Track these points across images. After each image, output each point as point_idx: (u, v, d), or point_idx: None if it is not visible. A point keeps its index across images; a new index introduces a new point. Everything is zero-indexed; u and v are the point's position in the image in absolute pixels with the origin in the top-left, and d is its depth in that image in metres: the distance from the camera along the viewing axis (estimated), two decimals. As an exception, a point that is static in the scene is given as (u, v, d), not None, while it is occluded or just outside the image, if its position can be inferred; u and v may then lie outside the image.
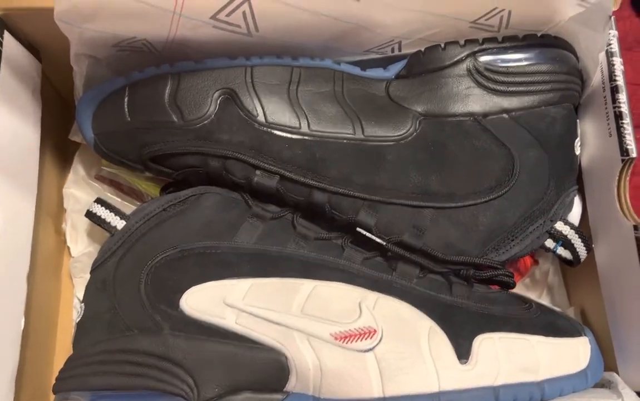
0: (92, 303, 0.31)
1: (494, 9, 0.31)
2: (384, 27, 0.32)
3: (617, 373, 0.32)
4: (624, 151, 0.32)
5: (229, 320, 0.29)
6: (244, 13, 0.29)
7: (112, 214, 0.33)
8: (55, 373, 0.30)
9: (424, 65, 0.34)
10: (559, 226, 0.33)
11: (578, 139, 0.35)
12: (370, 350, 0.28)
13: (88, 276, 0.32)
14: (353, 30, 0.32)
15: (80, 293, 0.37)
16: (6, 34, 0.30)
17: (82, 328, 0.31)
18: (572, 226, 0.34)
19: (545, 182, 0.33)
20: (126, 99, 0.31)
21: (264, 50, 0.32)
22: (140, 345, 0.29)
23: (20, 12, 0.31)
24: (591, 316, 0.36)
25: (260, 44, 0.32)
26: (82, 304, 0.32)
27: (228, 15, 0.30)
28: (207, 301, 0.29)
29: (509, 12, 0.32)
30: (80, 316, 0.31)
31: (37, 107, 0.34)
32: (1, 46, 0.29)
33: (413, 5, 0.31)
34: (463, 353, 0.28)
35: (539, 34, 0.34)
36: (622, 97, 0.33)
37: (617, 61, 0.33)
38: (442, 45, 0.34)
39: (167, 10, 0.29)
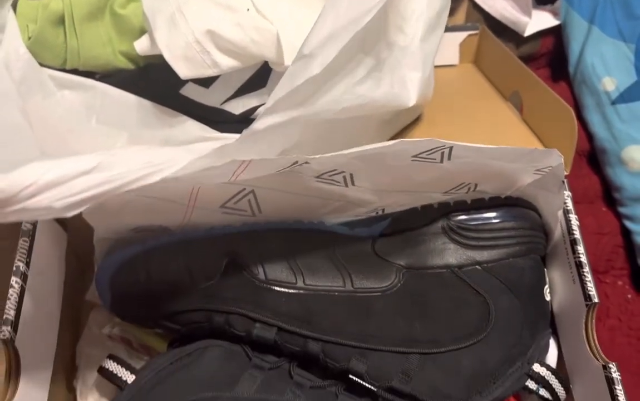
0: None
1: (461, 184, 0.36)
2: (371, 203, 0.37)
3: None
4: (587, 297, 0.35)
5: None
6: (249, 201, 0.34)
7: (124, 369, 0.35)
8: None
9: (405, 224, 0.38)
10: (537, 368, 0.36)
11: (547, 286, 0.38)
12: None
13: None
14: (344, 206, 0.37)
15: (87, 449, 0.39)
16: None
17: None
18: (549, 368, 0.36)
19: (520, 326, 0.36)
20: (142, 264, 0.35)
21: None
22: None
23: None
24: (578, 457, 0.37)
25: (263, 220, 0.36)
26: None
27: (235, 203, 0.34)
28: (210, 450, 0.31)
29: (475, 185, 0.37)
30: None
31: (62, 272, 0.38)
32: (36, 220, 0.34)
33: (395, 188, 0.36)
34: None
35: (503, 196, 0.39)
36: (580, 248, 0.37)
37: (573, 218, 0.38)
38: (419, 207, 0.39)
39: (183, 205, 0.33)
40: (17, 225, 0.34)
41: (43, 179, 0.22)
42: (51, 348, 0.36)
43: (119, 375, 0.35)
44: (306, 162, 0.29)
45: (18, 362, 0.32)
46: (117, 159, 0.24)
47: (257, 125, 0.27)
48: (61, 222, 0.38)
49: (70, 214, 0.24)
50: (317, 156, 0.28)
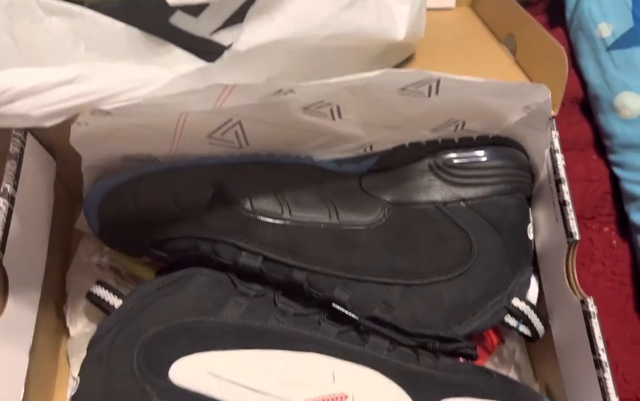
0: (87, 377, 0.34)
1: (449, 120, 0.36)
2: (358, 138, 0.37)
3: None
4: (569, 234, 0.36)
5: (213, 389, 0.31)
6: (236, 132, 0.34)
7: (111, 294, 0.36)
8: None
9: (392, 161, 0.38)
10: (517, 303, 0.37)
11: (530, 225, 0.39)
12: (342, 412, 0.30)
13: (84, 355, 0.35)
14: (332, 141, 0.37)
15: (75, 372, 0.40)
16: (29, 135, 0.35)
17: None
18: (528, 303, 0.37)
19: (501, 262, 0.37)
20: (130, 191, 0.35)
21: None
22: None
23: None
24: (555, 390, 0.38)
25: (250, 153, 0.37)
26: (78, 378, 0.34)
27: (223, 134, 0.34)
28: (193, 371, 0.32)
29: (463, 122, 0.37)
30: (75, 390, 0.33)
31: (50, 199, 0.38)
32: (24, 145, 0.34)
33: (383, 123, 0.36)
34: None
35: (490, 136, 0.39)
36: (565, 188, 0.37)
37: (559, 157, 0.38)
38: (407, 145, 0.39)
39: (170, 133, 0.34)
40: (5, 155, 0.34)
41: (21, 85, 0.22)
42: (39, 271, 0.37)
43: (107, 300, 0.36)
44: (291, 91, 0.29)
45: (6, 281, 0.32)
46: (98, 72, 0.24)
47: (239, 45, 0.27)
48: (49, 149, 0.38)
49: (48, 123, 0.24)
50: (301, 84, 0.28)
